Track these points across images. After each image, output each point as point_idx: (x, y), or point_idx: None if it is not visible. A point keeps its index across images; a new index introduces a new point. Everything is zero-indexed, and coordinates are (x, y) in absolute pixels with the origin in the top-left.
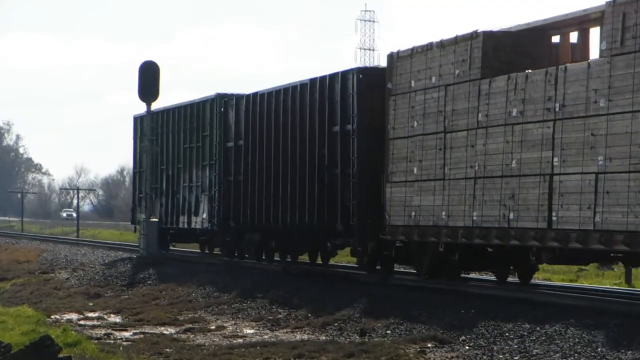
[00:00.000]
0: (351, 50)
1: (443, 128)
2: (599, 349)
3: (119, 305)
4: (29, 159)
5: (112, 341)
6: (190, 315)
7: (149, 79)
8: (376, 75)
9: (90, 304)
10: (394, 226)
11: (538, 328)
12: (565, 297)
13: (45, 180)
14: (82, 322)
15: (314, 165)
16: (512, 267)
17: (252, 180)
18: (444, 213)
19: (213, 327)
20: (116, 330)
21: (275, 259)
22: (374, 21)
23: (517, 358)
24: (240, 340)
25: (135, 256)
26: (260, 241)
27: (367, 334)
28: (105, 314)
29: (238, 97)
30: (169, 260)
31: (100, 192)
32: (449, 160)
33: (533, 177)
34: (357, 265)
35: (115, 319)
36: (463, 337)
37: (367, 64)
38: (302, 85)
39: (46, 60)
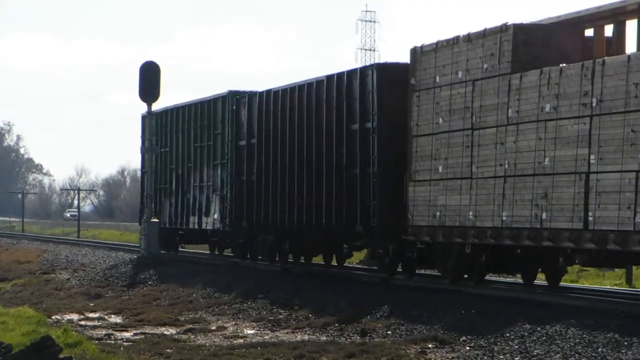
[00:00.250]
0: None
1: (470, 125)
2: (600, 350)
3: (119, 306)
4: (30, 160)
5: (112, 342)
6: (190, 316)
7: (149, 79)
8: (397, 70)
9: (91, 304)
10: (417, 227)
11: (539, 328)
12: (566, 298)
13: (45, 180)
14: (82, 323)
15: (332, 164)
16: (540, 269)
17: (266, 179)
18: (471, 213)
19: (214, 328)
20: (117, 330)
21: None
22: (374, 22)
23: (517, 358)
24: (241, 341)
25: (136, 256)
26: (274, 242)
27: (368, 335)
28: (106, 315)
29: (251, 95)
30: (169, 260)
31: (101, 193)
32: (476, 158)
33: (568, 175)
34: (358, 266)
35: (116, 319)
36: (464, 338)
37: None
38: (319, 82)
39: (46, 60)
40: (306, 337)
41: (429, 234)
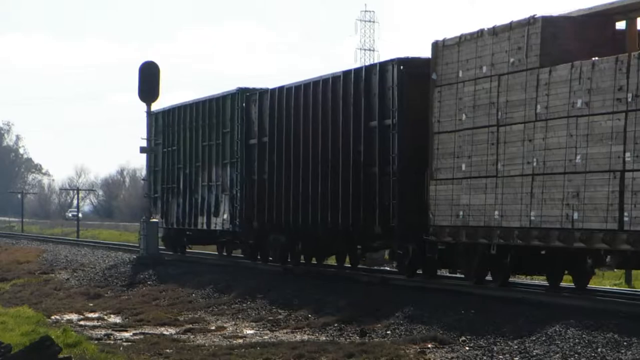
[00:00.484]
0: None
1: (496, 121)
2: (599, 350)
3: (119, 306)
4: (29, 160)
5: (112, 342)
6: (190, 316)
7: (149, 79)
8: (418, 66)
9: (91, 304)
10: (439, 227)
11: (538, 328)
12: (565, 298)
13: (45, 180)
14: (82, 323)
15: (349, 162)
16: (566, 271)
17: (278, 178)
18: (496, 212)
19: (213, 328)
20: (116, 330)
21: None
22: (374, 22)
23: (517, 358)
24: (240, 341)
25: (135, 256)
26: (286, 243)
27: (367, 335)
28: (106, 315)
29: (261, 92)
30: (169, 260)
31: (100, 193)
32: (502, 156)
33: (601, 173)
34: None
35: (115, 319)
36: (463, 338)
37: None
38: (335, 78)
39: (46, 60)
40: (306, 337)
41: (451, 234)
